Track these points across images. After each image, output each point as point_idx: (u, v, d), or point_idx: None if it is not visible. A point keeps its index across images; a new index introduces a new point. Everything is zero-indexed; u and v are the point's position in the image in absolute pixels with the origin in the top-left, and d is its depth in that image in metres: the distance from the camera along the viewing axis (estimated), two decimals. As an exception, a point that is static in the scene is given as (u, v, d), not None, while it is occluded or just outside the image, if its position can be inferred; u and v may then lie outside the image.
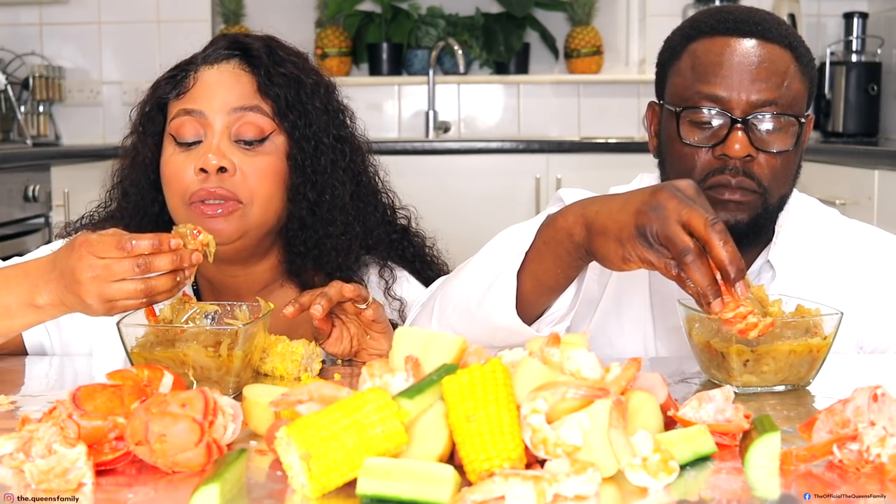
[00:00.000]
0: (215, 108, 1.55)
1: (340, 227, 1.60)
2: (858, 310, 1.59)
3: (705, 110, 1.53)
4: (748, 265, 1.62)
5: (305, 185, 1.58)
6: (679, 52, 1.60)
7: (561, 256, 1.33)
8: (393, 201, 1.76)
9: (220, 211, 1.51)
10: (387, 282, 1.67)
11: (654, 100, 1.66)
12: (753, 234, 1.58)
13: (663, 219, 1.19)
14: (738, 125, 1.52)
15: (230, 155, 1.53)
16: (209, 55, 1.61)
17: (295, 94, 1.59)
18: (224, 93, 1.56)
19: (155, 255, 1.27)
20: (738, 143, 1.51)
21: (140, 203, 1.62)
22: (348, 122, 1.68)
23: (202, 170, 1.51)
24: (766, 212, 1.56)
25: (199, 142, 1.55)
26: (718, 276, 1.20)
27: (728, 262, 1.17)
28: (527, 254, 1.36)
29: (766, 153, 1.53)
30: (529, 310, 1.39)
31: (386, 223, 1.72)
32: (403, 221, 1.78)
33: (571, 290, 1.39)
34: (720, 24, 1.56)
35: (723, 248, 1.17)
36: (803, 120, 1.55)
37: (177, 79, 1.60)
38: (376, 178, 1.73)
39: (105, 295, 1.27)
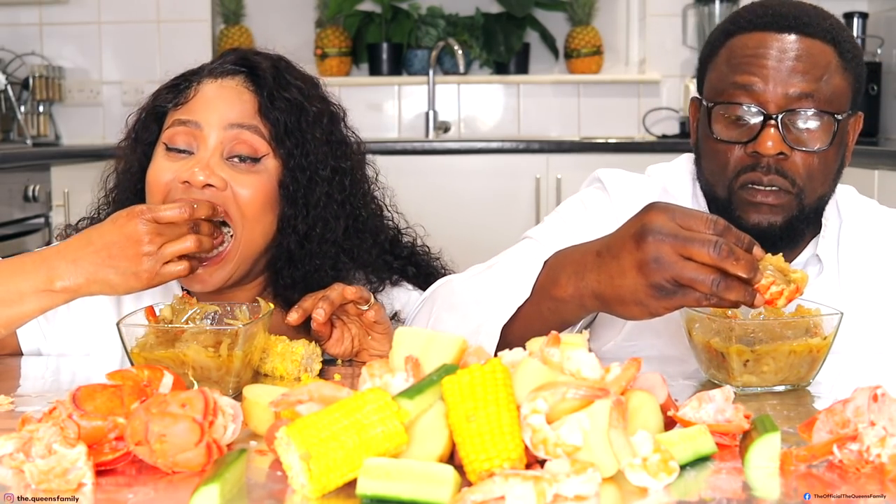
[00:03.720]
0: (212, 123, 1.51)
1: (330, 262, 1.55)
2: None
3: (740, 106, 1.49)
4: (790, 260, 1.57)
5: (296, 217, 1.53)
6: (717, 47, 1.57)
7: (569, 318, 1.33)
8: (398, 224, 1.72)
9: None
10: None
11: (697, 95, 1.63)
12: (788, 237, 1.54)
13: (671, 266, 1.16)
14: (771, 121, 1.48)
15: (219, 171, 1.48)
16: (215, 68, 1.57)
17: (295, 121, 1.54)
18: (223, 108, 1.52)
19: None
20: (770, 140, 1.47)
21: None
22: (352, 153, 1.62)
23: (186, 182, 1.47)
24: (802, 213, 1.52)
25: (190, 153, 1.51)
26: None
27: (746, 273, 1.16)
28: (524, 312, 1.34)
29: (801, 151, 1.49)
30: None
31: (386, 252, 1.67)
32: (409, 241, 1.73)
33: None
34: (759, 20, 1.53)
35: (737, 266, 1.15)
36: (840, 117, 1.50)
37: (178, 88, 1.57)
38: (382, 203, 1.68)
39: (163, 256, 1.36)
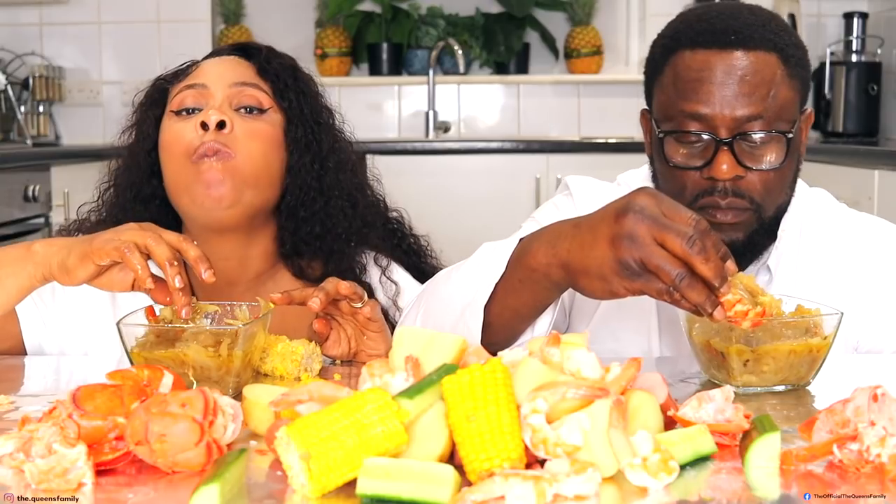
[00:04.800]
0: (217, 83, 1.62)
1: (344, 199, 1.66)
2: (857, 308, 1.57)
3: (691, 134, 1.49)
4: (743, 269, 1.59)
5: (306, 156, 1.64)
6: (661, 65, 1.55)
7: (538, 293, 1.31)
8: (385, 202, 1.80)
9: (217, 165, 1.54)
10: (382, 267, 1.71)
11: (646, 107, 1.63)
12: (750, 251, 1.55)
13: (642, 247, 1.16)
14: (724, 146, 1.47)
15: (229, 114, 1.59)
16: (211, 54, 1.73)
17: (292, 78, 1.68)
18: (226, 72, 1.65)
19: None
20: (724, 164, 1.47)
21: (137, 195, 1.66)
22: (337, 123, 1.75)
23: (203, 124, 1.56)
24: (762, 227, 1.53)
25: (200, 109, 1.61)
26: None
27: (713, 278, 1.15)
28: (500, 287, 1.34)
29: (757, 170, 1.49)
30: (506, 334, 1.38)
31: (381, 216, 1.77)
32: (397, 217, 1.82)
33: (548, 315, 1.37)
34: (700, 36, 1.51)
35: (705, 266, 1.14)
36: (791, 135, 1.50)
37: (177, 72, 1.69)
38: (367, 182, 1.78)
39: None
